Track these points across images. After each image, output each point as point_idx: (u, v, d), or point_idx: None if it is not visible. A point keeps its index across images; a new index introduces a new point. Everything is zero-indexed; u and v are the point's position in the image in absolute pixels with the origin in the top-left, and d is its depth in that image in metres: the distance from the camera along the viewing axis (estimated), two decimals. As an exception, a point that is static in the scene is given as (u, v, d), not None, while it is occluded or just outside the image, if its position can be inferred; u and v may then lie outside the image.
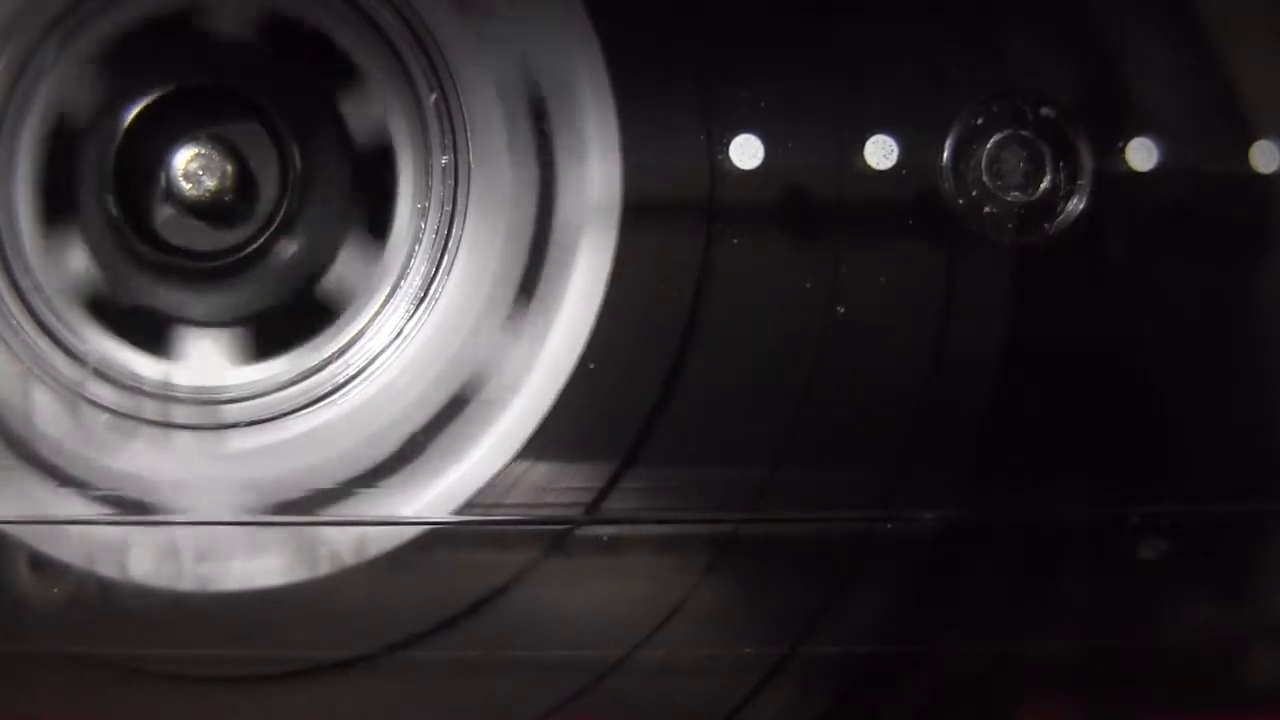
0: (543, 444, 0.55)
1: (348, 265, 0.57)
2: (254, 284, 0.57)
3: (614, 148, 0.55)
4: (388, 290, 0.57)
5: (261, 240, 0.56)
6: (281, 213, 0.56)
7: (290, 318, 0.57)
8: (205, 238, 0.57)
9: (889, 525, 0.56)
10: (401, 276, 0.57)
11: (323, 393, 0.56)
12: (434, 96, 0.56)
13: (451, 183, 0.56)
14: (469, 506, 0.55)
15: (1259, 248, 0.57)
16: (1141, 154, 0.56)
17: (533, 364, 0.55)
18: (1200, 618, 0.57)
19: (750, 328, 0.56)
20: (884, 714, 0.57)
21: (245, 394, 0.56)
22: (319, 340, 0.57)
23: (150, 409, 0.56)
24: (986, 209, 0.56)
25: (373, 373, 0.56)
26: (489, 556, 0.55)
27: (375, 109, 0.57)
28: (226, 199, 0.56)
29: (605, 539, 0.55)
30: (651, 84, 0.56)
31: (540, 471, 0.55)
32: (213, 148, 0.56)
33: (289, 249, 0.57)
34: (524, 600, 0.55)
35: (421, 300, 0.56)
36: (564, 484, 0.55)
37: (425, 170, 0.57)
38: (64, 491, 0.55)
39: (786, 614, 0.56)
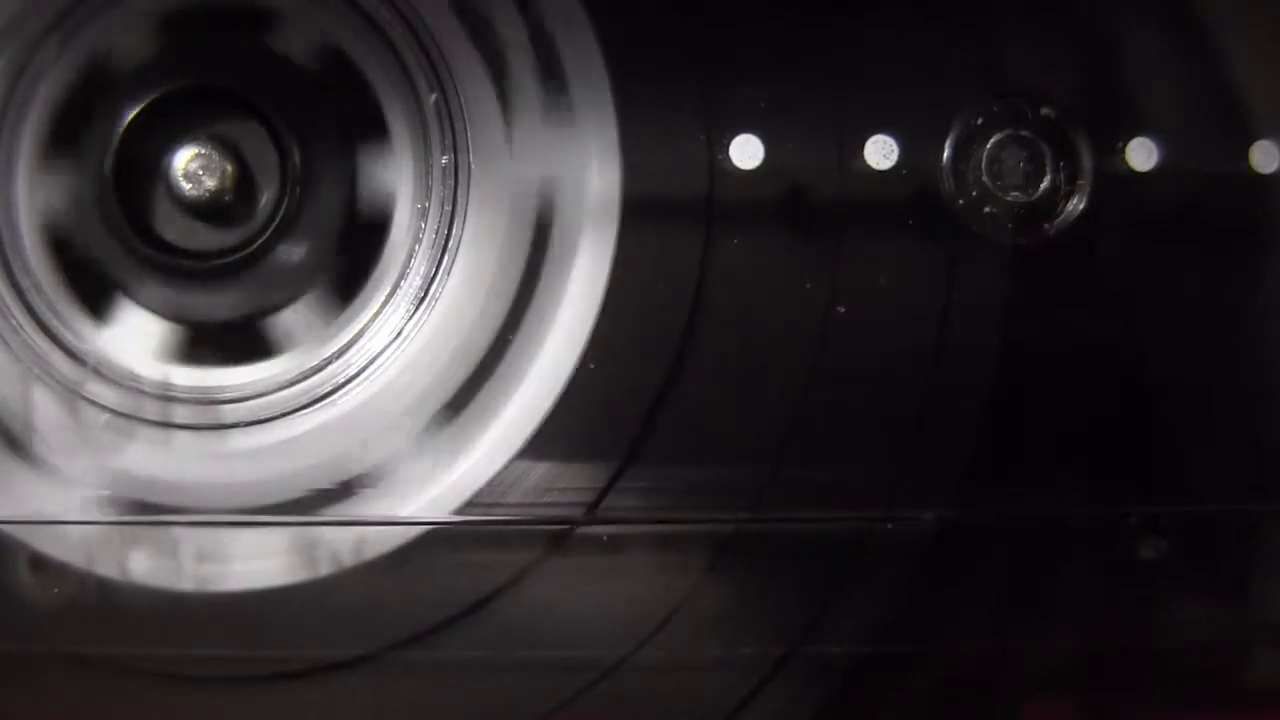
0: (543, 444, 0.55)
1: (347, 265, 0.57)
2: (254, 284, 0.57)
3: (614, 148, 0.56)
4: (388, 290, 0.57)
5: (261, 240, 0.56)
6: (281, 213, 0.56)
7: (290, 317, 0.57)
8: (205, 237, 0.57)
9: (889, 525, 0.56)
10: (401, 276, 0.57)
11: (323, 393, 0.56)
12: (434, 96, 0.56)
13: (451, 183, 0.56)
14: (469, 506, 0.55)
15: (1259, 248, 0.57)
16: (1141, 154, 0.56)
17: (533, 364, 0.55)
18: (1200, 618, 0.57)
19: (750, 328, 0.56)
20: (884, 714, 0.57)
21: (245, 394, 0.56)
22: (319, 340, 0.57)
23: (150, 409, 0.56)
24: (986, 209, 0.56)
25: (373, 373, 0.56)
26: (489, 556, 0.55)
27: (375, 109, 0.57)
28: (226, 199, 0.56)
29: (605, 539, 0.55)
30: (651, 84, 0.56)
31: (540, 471, 0.55)
32: (213, 148, 0.56)
33: (288, 249, 0.57)
34: (524, 600, 0.55)
35: (421, 300, 0.56)
36: (564, 484, 0.55)
37: (425, 170, 0.57)
38: (64, 491, 0.55)
39: (786, 614, 0.56)
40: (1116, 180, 0.56)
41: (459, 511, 0.55)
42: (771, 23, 0.56)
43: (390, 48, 0.57)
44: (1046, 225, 0.56)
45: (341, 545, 0.55)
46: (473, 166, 0.56)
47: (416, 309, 0.56)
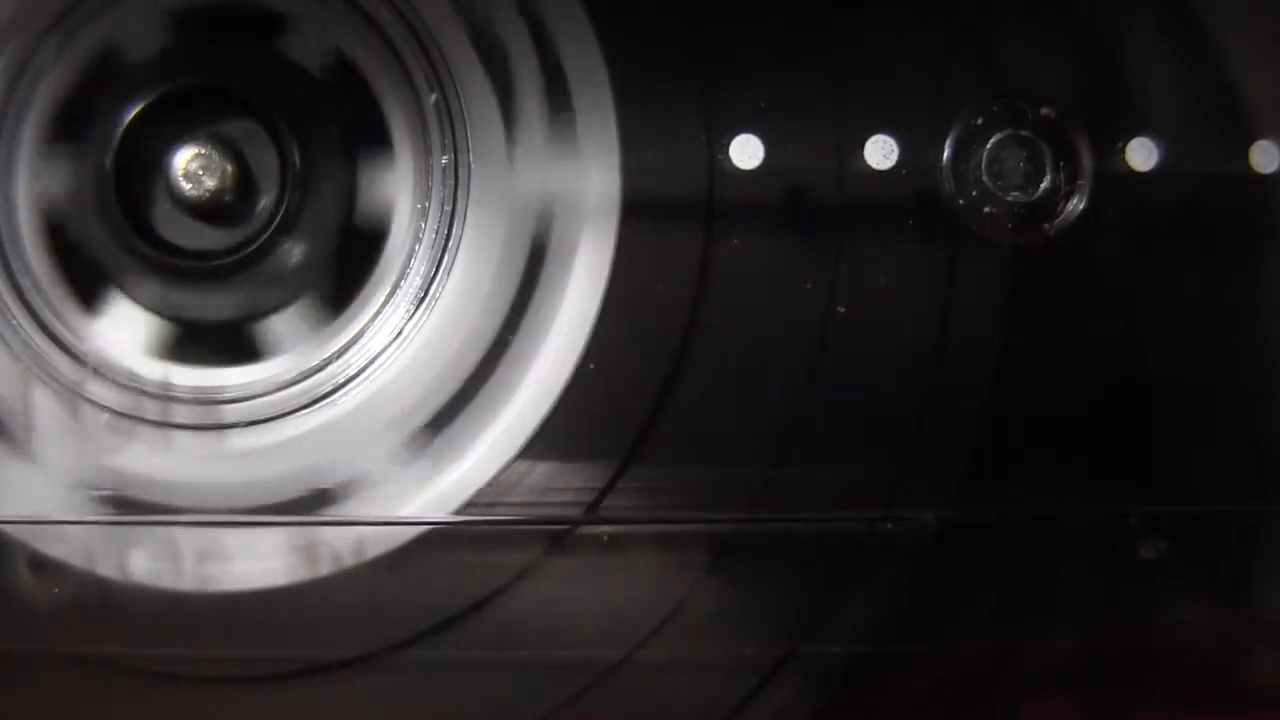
0: (543, 444, 0.55)
1: (347, 265, 0.57)
2: (254, 283, 0.57)
3: (614, 148, 0.56)
4: (388, 290, 0.57)
5: (261, 240, 0.56)
6: (281, 212, 0.56)
7: (290, 317, 0.57)
8: (205, 237, 0.57)
9: (889, 525, 0.56)
10: (401, 276, 0.57)
11: (323, 393, 0.56)
12: (434, 96, 0.56)
13: (451, 183, 0.56)
14: (469, 506, 0.55)
15: (1259, 248, 0.57)
16: (1141, 154, 0.56)
17: (533, 364, 0.55)
18: (1200, 618, 0.57)
19: (750, 328, 0.56)
20: (884, 714, 0.57)
21: (245, 394, 0.56)
22: (319, 340, 0.57)
23: (150, 409, 0.56)
24: (986, 209, 0.56)
25: (373, 373, 0.56)
26: (489, 556, 0.55)
27: (375, 109, 0.57)
28: (226, 199, 0.56)
29: (605, 539, 0.55)
30: (651, 84, 0.56)
31: (540, 471, 0.55)
32: (213, 148, 0.56)
33: (289, 248, 0.57)
34: (524, 600, 0.55)
35: (421, 300, 0.56)
36: (564, 484, 0.55)
37: (425, 170, 0.57)
38: (64, 492, 0.55)
39: (786, 614, 0.56)
40: (1116, 180, 0.56)
41: (459, 511, 0.55)
42: (771, 23, 0.56)
43: (390, 48, 0.57)
44: (1046, 225, 0.56)
45: (341, 545, 0.55)
46: (473, 167, 0.56)
47: (416, 309, 0.56)
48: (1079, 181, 0.56)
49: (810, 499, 0.56)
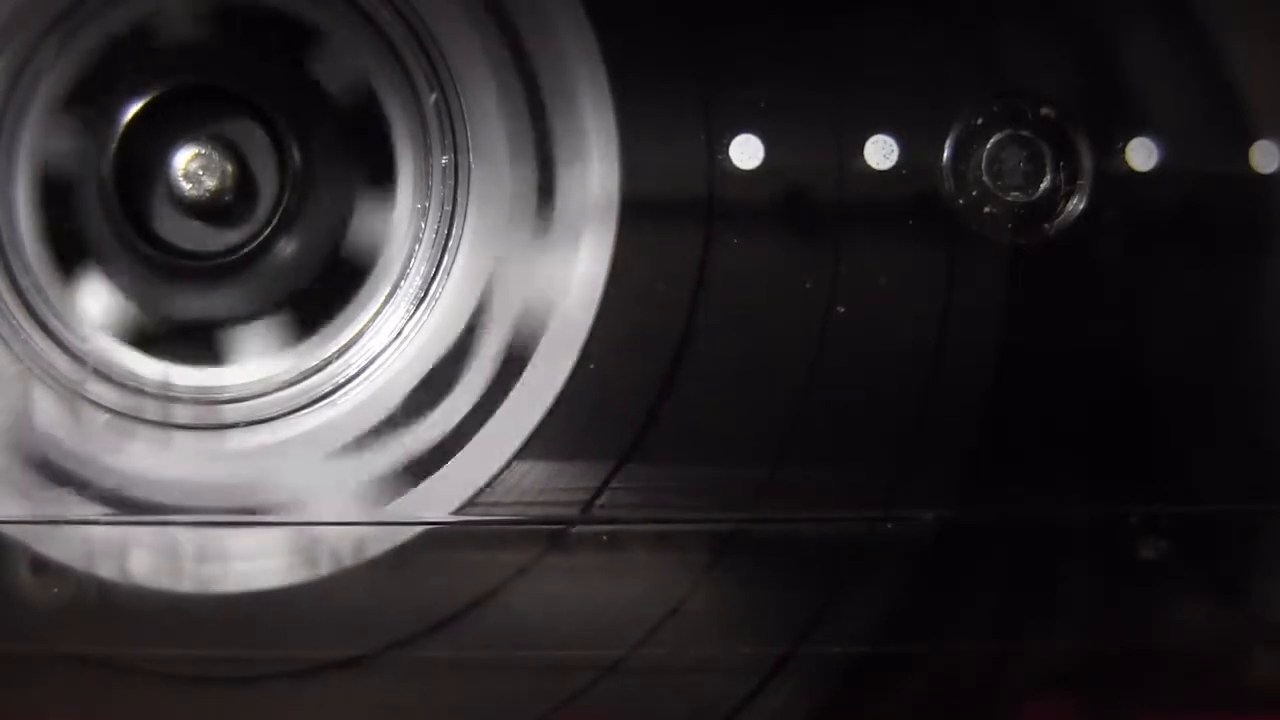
0: (542, 443, 0.55)
1: (348, 264, 0.57)
2: (254, 283, 0.57)
3: (613, 148, 0.56)
4: (388, 290, 0.57)
5: (261, 240, 0.56)
6: (281, 212, 0.56)
7: (290, 317, 0.57)
8: (205, 237, 0.57)
9: (889, 525, 0.56)
10: (401, 276, 0.57)
11: (323, 393, 0.56)
12: (434, 96, 0.56)
13: (451, 183, 0.56)
14: (468, 506, 0.55)
15: (1259, 248, 0.57)
16: (1141, 154, 0.56)
17: (532, 364, 0.55)
18: (1200, 618, 0.57)
19: (750, 328, 0.56)
20: (884, 714, 0.57)
21: (245, 394, 0.56)
22: (319, 340, 0.57)
23: (150, 409, 0.56)
24: (986, 209, 0.56)
25: (373, 373, 0.56)
26: (488, 556, 0.55)
27: (375, 109, 0.57)
28: (226, 199, 0.56)
29: (604, 538, 0.55)
30: (651, 84, 0.56)
31: (539, 471, 0.55)
32: (213, 148, 0.56)
33: (289, 248, 0.57)
34: (523, 600, 0.55)
35: (421, 300, 0.56)
36: (563, 483, 0.55)
37: (425, 170, 0.57)
38: (64, 491, 0.55)
39: (786, 614, 0.56)
40: (1116, 180, 0.56)
41: (458, 511, 0.55)
42: (771, 23, 0.56)
43: (390, 47, 0.57)
44: (1046, 225, 0.56)
45: (341, 545, 0.55)
46: (473, 166, 0.56)
47: (416, 309, 0.56)
48: (1079, 181, 0.56)
49: (810, 499, 0.56)
